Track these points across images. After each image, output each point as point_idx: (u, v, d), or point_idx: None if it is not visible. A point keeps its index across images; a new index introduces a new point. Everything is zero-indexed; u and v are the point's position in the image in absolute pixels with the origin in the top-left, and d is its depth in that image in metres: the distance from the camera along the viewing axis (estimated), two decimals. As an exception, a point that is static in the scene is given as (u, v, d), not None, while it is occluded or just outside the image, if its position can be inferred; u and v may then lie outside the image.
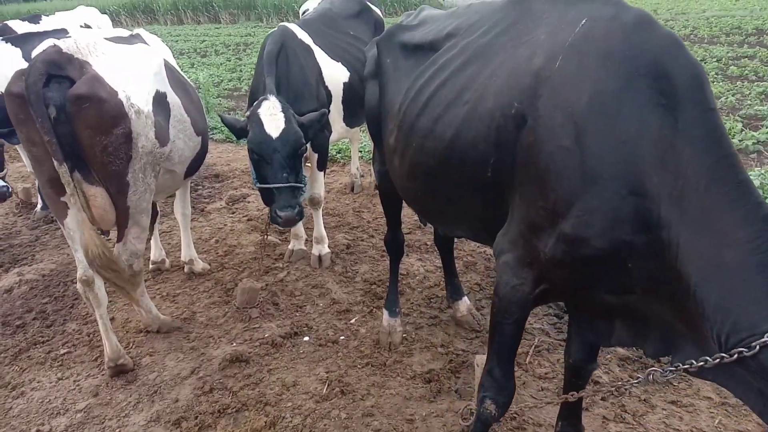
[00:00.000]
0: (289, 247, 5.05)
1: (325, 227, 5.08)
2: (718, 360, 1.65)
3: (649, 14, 2.13)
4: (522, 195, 2.25)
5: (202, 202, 6.47)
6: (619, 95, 1.96)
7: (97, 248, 3.35)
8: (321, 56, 4.61)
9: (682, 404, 3.13)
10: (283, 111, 3.79)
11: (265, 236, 4.85)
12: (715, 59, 12.08)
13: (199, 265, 4.86)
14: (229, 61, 16.72)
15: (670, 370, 1.90)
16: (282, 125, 3.75)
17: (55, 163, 3.11)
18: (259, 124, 3.76)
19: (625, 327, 2.21)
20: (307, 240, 5.10)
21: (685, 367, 1.80)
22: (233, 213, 6.07)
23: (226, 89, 13.04)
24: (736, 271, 1.64)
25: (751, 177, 5.24)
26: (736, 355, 1.58)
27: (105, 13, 8.63)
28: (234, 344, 3.90)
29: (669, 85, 1.88)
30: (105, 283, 3.63)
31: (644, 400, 3.19)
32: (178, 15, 33.29)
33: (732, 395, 3.10)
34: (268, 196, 3.95)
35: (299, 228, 5.03)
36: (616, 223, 1.95)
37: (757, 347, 1.53)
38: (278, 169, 3.76)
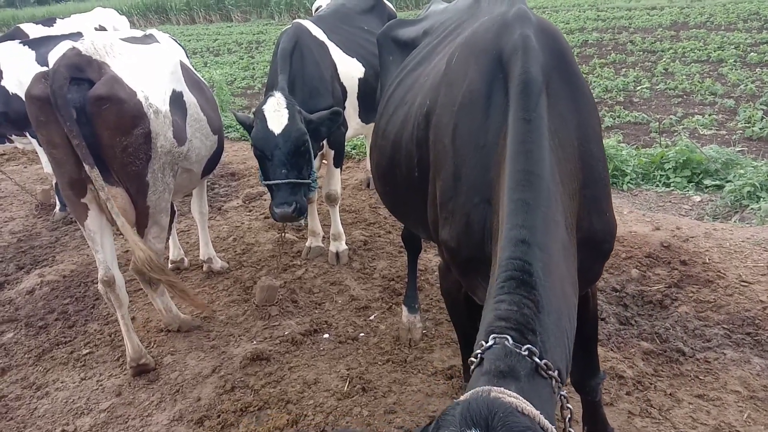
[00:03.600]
0: (307, 244, 5.04)
1: (342, 224, 5.07)
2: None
3: (526, 11, 2.01)
4: (432, 195, 2.22)
5: (219, 200, 6.49)
6: (486, 95, 1.89)
7: (144, 252, 3.37)
8: (336, 52, 4.59)
9: (709, 398, 3.07)
10: (288, 107, 3.76)
11: (283, 234, 4.85)
12: (733, 46, 11.86)
13: (218, 264, 4.88)
14: (242, 59, 16.75)
15: None
16: (285, 121, 3.73)
17: (86, 167, 3.14)
18: (263, 120, 3.76)
19: None
20: (324, 237, 5.09)
21: None
22: (250, 211, 6.08)
23: (239, 87, 13.07)
24: (489, 293, 1.55)
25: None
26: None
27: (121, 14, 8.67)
28: (254, 342, 3.91)
29: (508, 90, 1.80)
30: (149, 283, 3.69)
31: (670, 394, 3.13)
32: (191, 14, 33.44)
33: (761, 389, 3.07)
34: (271, 193, 3.94)
35: (316, 225, 5.02)
36: (470, 231, 1.89)
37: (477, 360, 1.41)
38: (279, 165, 3.74)
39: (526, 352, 1.36)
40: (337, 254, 4.85)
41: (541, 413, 1.26)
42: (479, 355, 1.39)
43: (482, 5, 2.47)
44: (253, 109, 3.98)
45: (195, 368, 3.73)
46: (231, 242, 5.40)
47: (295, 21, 4.60)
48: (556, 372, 1.40)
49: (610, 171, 6.06)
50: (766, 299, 3.73)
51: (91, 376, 3.79)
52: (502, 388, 1.27)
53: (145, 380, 3.67)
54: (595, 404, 2.62)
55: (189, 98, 3.80)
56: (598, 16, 18.71)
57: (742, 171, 5.62)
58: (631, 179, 6.03)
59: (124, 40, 3.72)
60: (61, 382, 3.74)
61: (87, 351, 4.04)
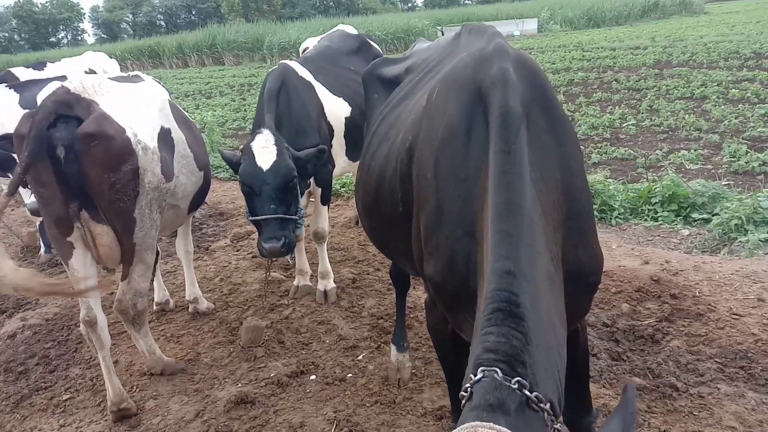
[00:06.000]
0: (294, 283, 4.99)
1: (330, 262, 5.02)
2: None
3: (504, 45, 2.04)
4: (416, 230, 2.20)
5: (207, 240, 6.44)
6: (466, 129, 1.90)
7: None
8: (322, 92, 4.64)
9: (704, 435, 3.00)
10: (276, 144, 3.79)
11: (268, 273, 4.80)
12: (715, 83, 12.11)
13: (204, 305, 4.80)
14: (234, 101, 16.94)
15: None
16: (274, 157, 3.75)
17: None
18: (251, 156, 3.78)
19: None
20: (312, 275, 5.04)
21: None
22: (238, 250, 6.03)
23: (230, 129, 13.17)
24: (476, 326, 1.52)
25: (761, 198, 5.11)
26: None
27: (111, 58, 8.76)
28: (239, 385, 3.81)
29: (488, 123, 1.80)
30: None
31: (664, 431, 3.06)
32: (183, 58, 34.02)
33: (756, 424, 3.00)
34: (259, 229, 3.91)
35: (304, 263, 4.98)
36: (454, 265, 1.87)
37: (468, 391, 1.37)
38: (267, 200, 3.74)
39: (516, 385, 1.32)
40: (325, 293, 4.79)
41: None
42: (468, 389, 1.35)
43: (462, 42, 2.51)
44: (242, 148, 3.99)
45: (178, 413, 3.62)
46: (218, 282, 5.33)
47: (281, 62, 4.66)
48: (548, 405, 1.35)
49: (597, 206, 6.09)
50: (757, 332, 3.69)
51: (71, 422, 3.67)
52: (491, 423, 1.23)
53: (127, 426, 3.56)
54: None
55: (177, 135, 3.82)
56: (584, 56, 19.14)
57: (728, 204, 5.65)
58: (619, 214, 6.04)
59: (112, 79, 3.76)
60: (39, 430, 3.62)
61: (67, 396, 3.92)
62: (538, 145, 1.79)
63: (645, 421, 3.14)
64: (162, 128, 3.63)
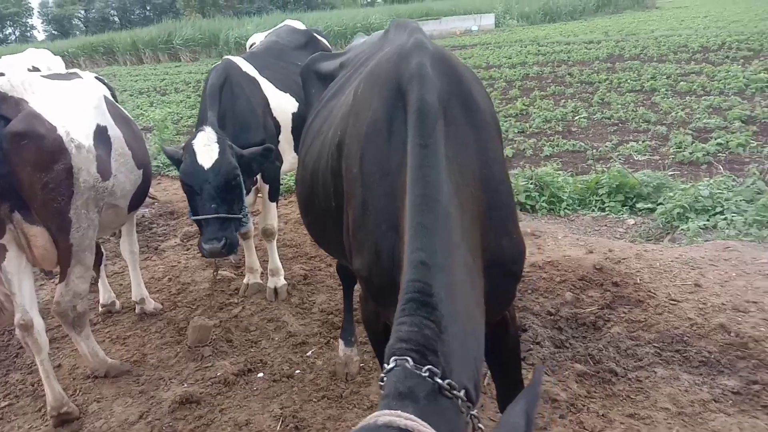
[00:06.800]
0: (244, 281, 4.94)
1: (282, 258, 4.99)
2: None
3: (422, 40, 2.04)
4: (346, 225, 2.21)
5: (157, 240, 6.32)
6: (388, 125, 1.90)
7: None
8: (268, 87, 4.59)
9: (640, 417, 3.09)
10: (218, 142, 3.72)
11: (215, 272, 4.74)
12: (665, 76, 12.46)
13: (151, 305, 4.72)
14: (189, 98, 16.65)
15: None
16: (215, 156, 3.67)
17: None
18: (192, 154, 3.69)
19: None
20: (262, 273, 4.99)
21: None
22: (188, 250, 5.94)
23: (185, 126, 12.92)
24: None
25: (701, 188, 5.27)
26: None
27: (64, 55, 8.50)
28: (185, 385, 3.76)
29: (407, 118, 1.80)
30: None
31: (602, 415, 3.14)
32: (138, 55, 33.25)
33: (688, 405, 3.11)
34: (200, 228, 3.85)
35: (254, 261, 4.93)
36: (380, 259, 1.88)
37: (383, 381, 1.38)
38: (208, 200, 3.67)
39: (427, 373, 1.33)
40: (276, 290, 4.76)
41: None
42: (383, 378, 1.36)
43: (389, 37, 2.52)
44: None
45: (121, 415, 3.55)
46: (166, 282, 5.24)
47: (225, 57, 4.59)
48: (462, 392, 1.37)
49: (546, 198, 6.20)
50: (693, 316, 3.82)
51: (9, 429, 3.56)
52: (399, 411, 1.23)
53: (68, 430, 3.47)
54: None
55: (114, 132, 3.74)
56: (539, 51, 19.44)
57: (671, 194, 5.82)
58: (567, 205, 6.17)
59: (45, 77, 3.65)
60: (-25, 439, 3.51)
61: (6, 403, 3.81)
62: (456, 139, 1.81)
63: (584, 406, 3.21)
64: (98, 126, 3.55)
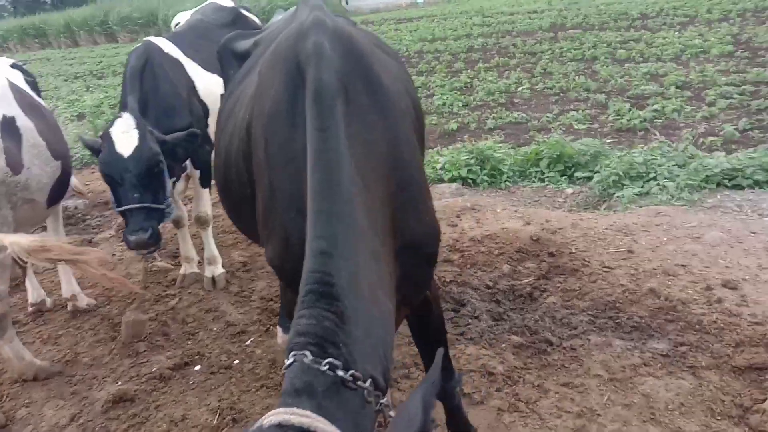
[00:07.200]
0: (181, 271, 4.80)
1: (220, 245, 4.87)
2: None
3: (321, 17, 1.94)
4: (258, 213, 2.13)
5: (91, 232, 6.09)
6: (290, 106, 1.83)
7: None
8: (192, 69, 4.41)
9: (574, 385, 3.15)
10: (138, 128, 3.54)
11: (146, 262, 4.58)
12: (605, 44, 12.61)
13: (84, 301, 4.54)
14: (127, 81, 16.00)
15: None
16: (135, 143, 3.50)
17: None
18: (110, 142, 3.52)
19: None
20: (200, 262, 4.86)
21: None
22: (123, 241, 5.72)
23: (123, 111, 12.44)
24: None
25: (635, 155, 5.34)
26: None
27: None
28: (119, 383, 3.64)
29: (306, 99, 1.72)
30: None
31: (538, 385, 3.18)
32: (73, 37, 31.78)
33: (620, 370, 3.18)
34: (125, 220, 3.69)
35: (190, 250, 4.79)
36: (290, 246, 1.83)
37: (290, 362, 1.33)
38: (130, 189, 3.51)
39: (327, 367, 1.30)
40: (213, 279, 4.64)
41: (353, 427, 1.22)
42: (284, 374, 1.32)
43: (298, 15, 2.42)
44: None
45: (52, 418, 3.42)
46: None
47: (145, 39, 4.38)
48: (369, 382, 1.34)
49: (488, 171, 6.22)
50: (626, 282, 3.90)
51: (-69, 443, 3.39)
52: (294, 408, 1.20)
53: (-6, 440, 3.33)
54: (455, 408, 2.60)
55: (24, 123, 3.53)
56: (484, 21, 19.43)
57: (607, 162, 5.91)
58: (508, 177, 6.21)
59: (-56, 67, 3.41)
60: None
61: (-73, 415, 3.61)
62: (358, 119, 1.75)
63: (520, 377, 3.25)
64: (4, 117, 3.35)
